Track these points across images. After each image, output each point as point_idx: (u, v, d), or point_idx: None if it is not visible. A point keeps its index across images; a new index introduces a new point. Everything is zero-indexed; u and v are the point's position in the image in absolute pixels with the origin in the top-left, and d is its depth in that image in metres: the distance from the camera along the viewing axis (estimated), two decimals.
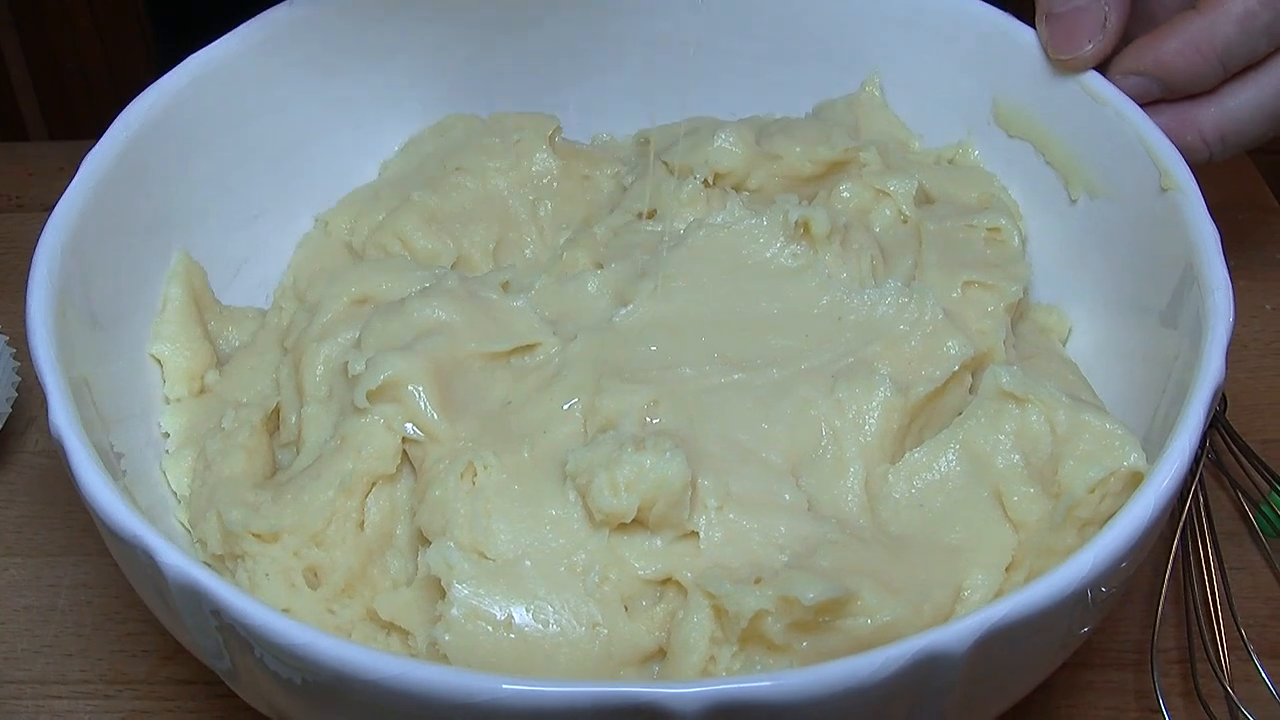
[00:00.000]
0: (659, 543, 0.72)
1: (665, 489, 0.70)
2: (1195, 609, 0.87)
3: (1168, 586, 0.88)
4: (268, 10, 0.92)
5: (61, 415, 0.69)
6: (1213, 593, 0.88)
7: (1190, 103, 0.86)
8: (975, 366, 0.81)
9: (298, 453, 0.81)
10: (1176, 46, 0.84)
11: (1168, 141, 0.83)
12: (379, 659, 0.59)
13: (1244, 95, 0.85)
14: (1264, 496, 0.93)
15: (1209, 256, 0.76)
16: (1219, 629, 0.86)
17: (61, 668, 0.86)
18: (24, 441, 0.99)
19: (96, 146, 0.83)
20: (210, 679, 0.84)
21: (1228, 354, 0.72)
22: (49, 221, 0.78)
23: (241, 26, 0.91)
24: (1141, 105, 0.85)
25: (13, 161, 1.20)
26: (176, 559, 0.62)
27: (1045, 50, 0.88)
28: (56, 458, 0.96)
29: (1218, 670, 0.84)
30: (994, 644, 0.61)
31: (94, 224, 0.80)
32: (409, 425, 0.76)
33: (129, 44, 1.82)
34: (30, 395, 1.00)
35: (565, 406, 0.77)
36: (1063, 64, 0.88)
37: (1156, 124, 0.84)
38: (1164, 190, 0.81)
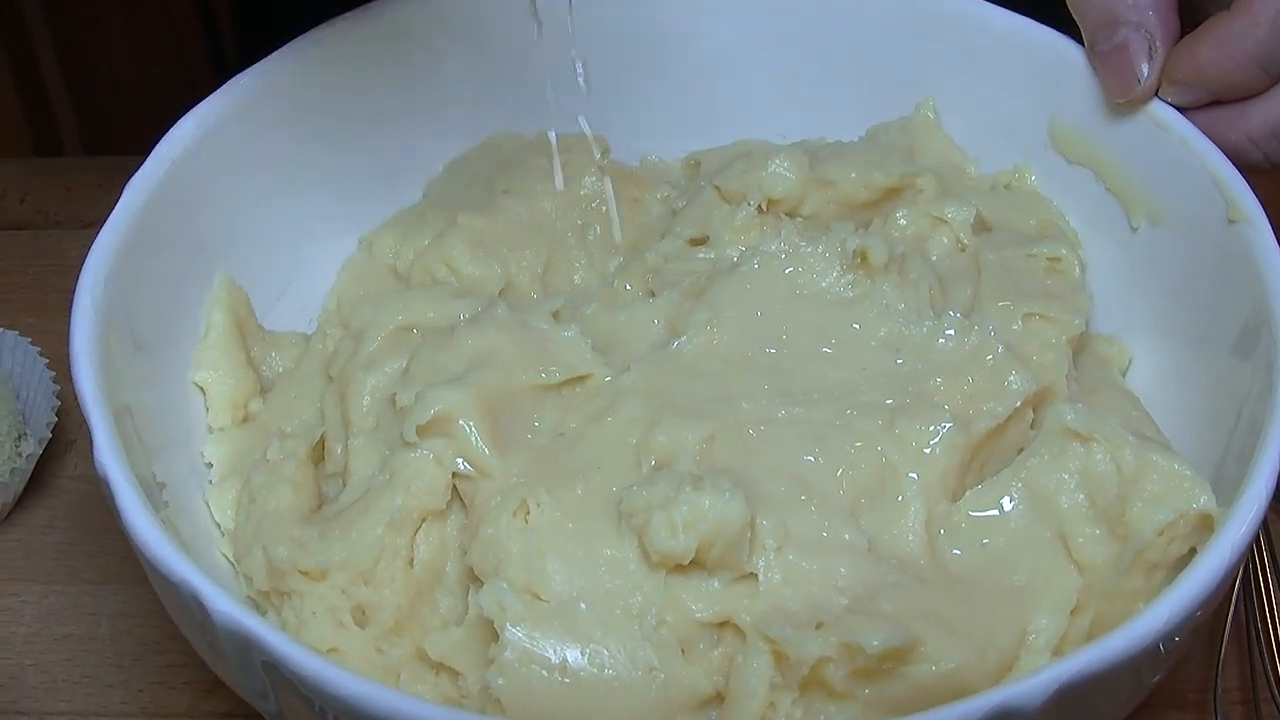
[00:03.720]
0: (717, 584, 0.70)
1: (724, 530, 0.68)
2: (1258, 647, 0.85)
3: (1230, 625, 0.86)
4: (310, 31, 0.91)
5: (106, 451, 0.68)
6: (1275, 630, 0.86)
7: (1239, 104, 0.83)
8: (1037, 402, 0.79)
9: (344, 485, 0.79)
10: (1210, 54, 0.81)
11: (1235, 171, 0.81)
12: (429, 710, 0.58)
13: None
14: None
15: None
16: None
17: (102, 699, 0.85)
18: (63, 466, 0.98)
19: (140, 170, 0.82)
20: (250, 714, 0.82)
21: None
22: (92, 249, 0.77)
23: (285, 47, 0.90)
24: (1191, 112, 0.84)
25: (51, 177, 1.19)
26: (226, 605, 0.61)
27: (1103, 91, 0.87)
28: (96, 484, 0.95)
29: None
30: (1068, 698, 0.59)
31: (137, 249, 0.79)
32: (459, 460, 0.74)
33: (164, 56, 1.82)
34: (70, 418, 0.98)
35: (619, 441, 0.75)
36: (1119, 105, 0.86)
37: (1199, 126, 0.83)
38: (1231, 222, 0.79)
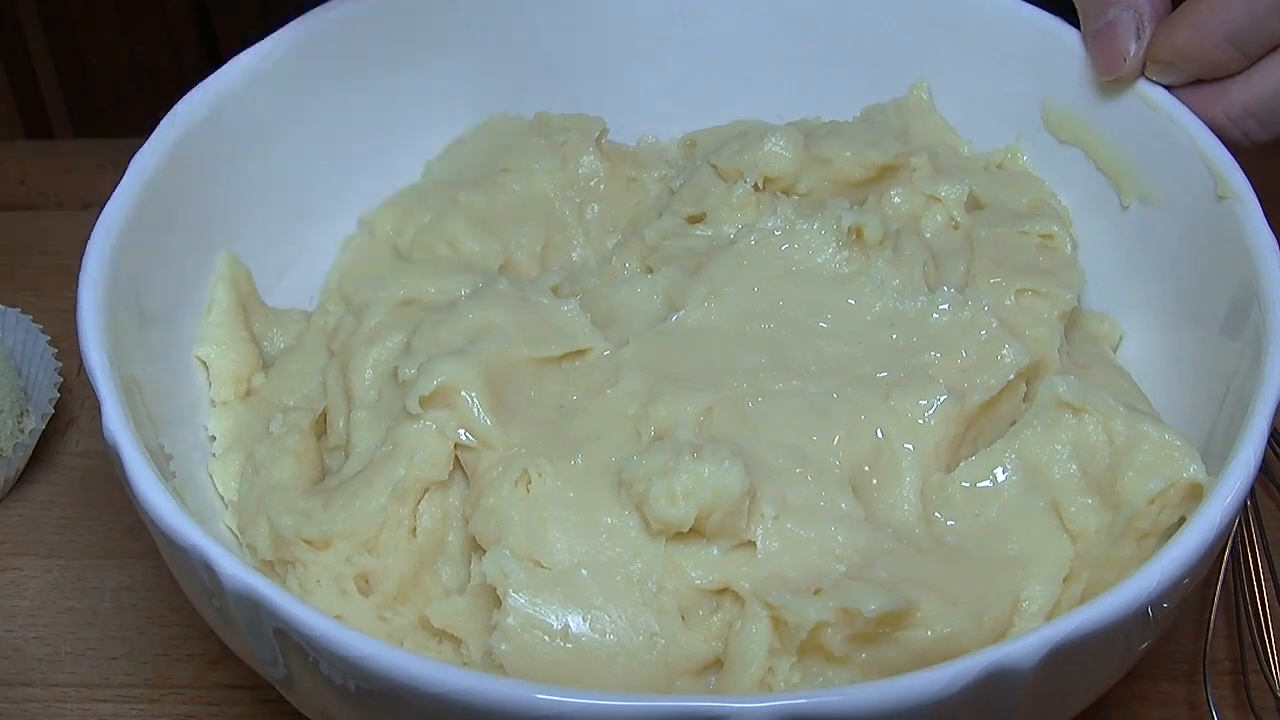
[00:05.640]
0: (716, 552, 0.71)
1: (724, 498, 0.69)
2: (1247, 619, 0.86)
3: (1219, 597, 0.87)
4: (311, 11, 0.92)
5: (115, 420, 0.69)
6: (1264, 602, 0.87)
7: (1219, 83, 0.84)
8: (1030, 375, 0.80)
9: (346, 457, 0.80)
10: (1186, 35, 0.82)
11: (1224, 149, 0.82)
12: (440, 670, 0.58)
13: (1270, 70, 0.82)
14: None
15: (1269, 267, 0.75)
16: (1270, 639, 0.85)
17: (106, 671, 0.86)
18: (65, 442, 0.99)
19: (144, 146, 0.82)
20: (255, 684, 0.84)
21: None
22: (98, 223, 0.78)
23: (286, 26, 0.91)
24: (1174, 90, 0.85)
25: (49, 159, 1.20)
26: (236, 569, 0.62)
27: (1092, 69, 0.88)
28: (98, 459, 0.97)
29: (1271, 681, 0.83)
30: (1060, 659, 0.60)
31: (142, 225, 0.80)
32: (462, 431, 0.75)
33: (156, 44, 1.82)
34: (71, 395, 0.99)
35: (619, 412, 0.76)
36: (1108, 84, 0.87)
37: (1185, 104, 0.84)
38: (1221, 198, 0.80)
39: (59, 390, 0.96)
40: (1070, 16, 0.90)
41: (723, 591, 0.71)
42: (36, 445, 0.96)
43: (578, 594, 0.70)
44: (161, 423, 0.78)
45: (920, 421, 0.76)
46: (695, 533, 0.71)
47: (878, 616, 0.65)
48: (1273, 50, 0.81)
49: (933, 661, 0.61)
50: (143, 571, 0.91)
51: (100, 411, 0.70)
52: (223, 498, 0.81)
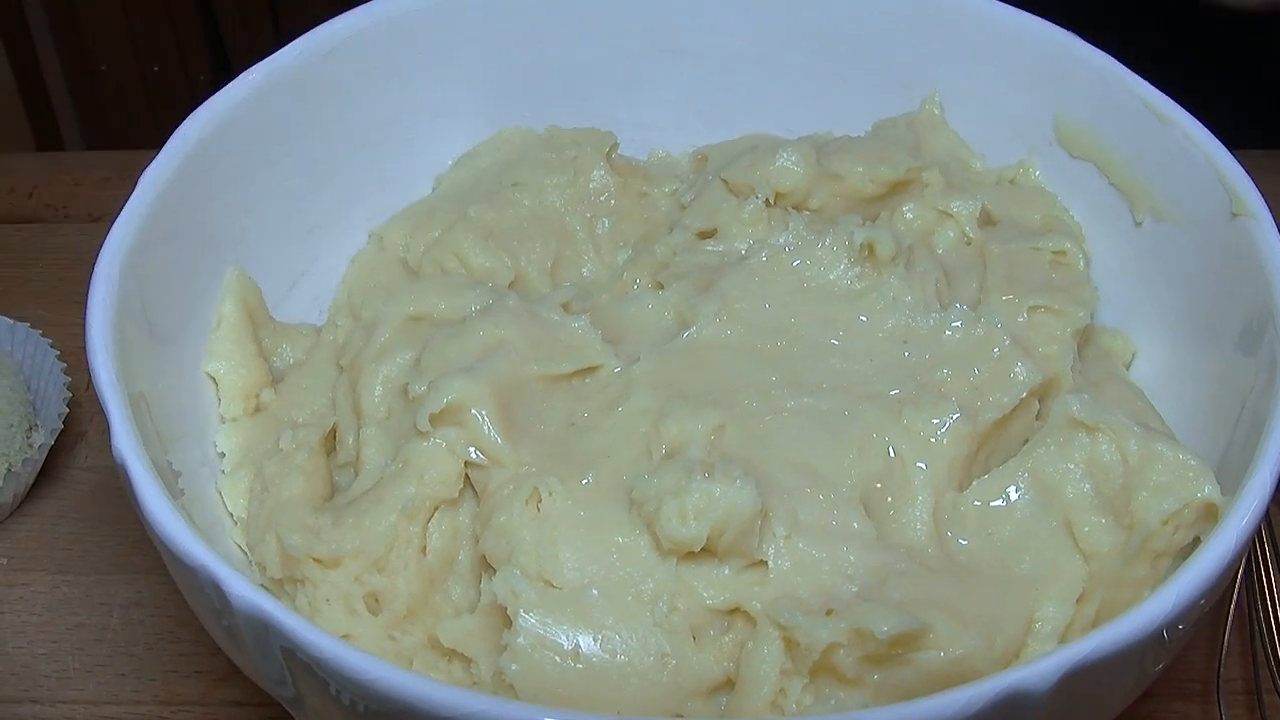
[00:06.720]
0: (727, 571, 0.71)
1: (735, 517, 0.69)
2: (1260, 638, 0.86)
3: (1232, 616, 0.86)
4: (322, 25, 0.92)
5: (124, 439, 0.69)
6: (1277, 622, 0.86)
7: None
8: (1043, 393, 0.80)
9: (356, 474, 0.80)
10: None
11: (1239, 166, 0.81)
12: (449, 693, 0.58)
13: None
14: None
15: None
16: None
17: (114, 688, 0.86)
18: (74, 457, 0.98)
19: (153, 162, 0.82)
20: (263, 701, 0.84)
21: None
22: (107, 239, 0.77)
23: (296, 41, 0.90)
24: None
25: (57, 171, 1.20)
26: (245, 589, 0.62)
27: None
28: (107, 474, 0.97)
29: None
30: (1076, 682, 0.60)
31: (151, 240, 0.80)
32: (472, 449, 0.75)
33: (165, 55, 1.82)
34: (80, 410, 0.99)
35: (630, 430, 0.76)
36: (1122, 101, 0.86)
37: None
38: (1235, 216, 0.80)
39: (67, 405, 0.96)
40: (1081, 31, 0.90)
41: (734, 612, 0.71)
42: (45, 460, 0.95)
43: (588, 614, 0.70)
44: (170, 440, 0.78)
45: (933, 440, 0.75)
46: (707, 552, 0.70)
47: (890, 638, 0.65)
48: None
49: (946, 683, 0.60)
50: (151, 587, 0.90)
51: (109, 429, 0.69)
52: (232, 514, 0.81)
